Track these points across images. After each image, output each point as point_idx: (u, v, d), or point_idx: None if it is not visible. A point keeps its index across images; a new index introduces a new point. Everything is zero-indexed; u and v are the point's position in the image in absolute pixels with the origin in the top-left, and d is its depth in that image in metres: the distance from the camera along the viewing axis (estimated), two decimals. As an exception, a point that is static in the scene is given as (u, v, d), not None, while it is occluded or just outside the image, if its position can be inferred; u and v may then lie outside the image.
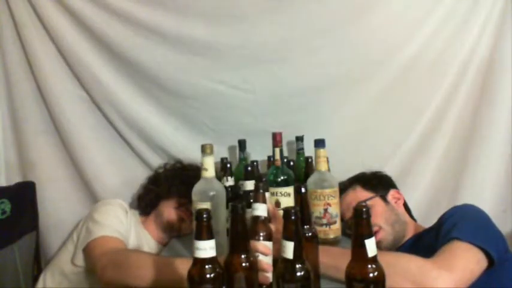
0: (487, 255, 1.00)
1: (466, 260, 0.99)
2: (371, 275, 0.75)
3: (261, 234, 0.98)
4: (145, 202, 1.55)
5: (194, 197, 1.17)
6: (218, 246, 0.81)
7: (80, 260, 1.33)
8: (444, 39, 1.61)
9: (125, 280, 1.09)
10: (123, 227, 1.36)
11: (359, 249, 0.75)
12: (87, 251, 1.30)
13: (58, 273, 1.39)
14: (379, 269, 0.75)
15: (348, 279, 0.77)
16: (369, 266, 0.75)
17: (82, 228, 1.37)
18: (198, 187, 1.17)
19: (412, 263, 0.97)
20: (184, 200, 1.43)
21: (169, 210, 1.47)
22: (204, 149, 1.15)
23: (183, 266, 0.92)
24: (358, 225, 0.76)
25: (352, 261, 0.77)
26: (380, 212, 1.33)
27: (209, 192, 1.15)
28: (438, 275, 0.93)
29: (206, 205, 1.15)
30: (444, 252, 1.01)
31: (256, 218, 0.99)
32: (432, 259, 0.99)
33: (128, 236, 1.38)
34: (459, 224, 1.08)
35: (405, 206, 1.44)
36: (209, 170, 1.15)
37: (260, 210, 1.00)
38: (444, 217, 1.16)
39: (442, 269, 0.94)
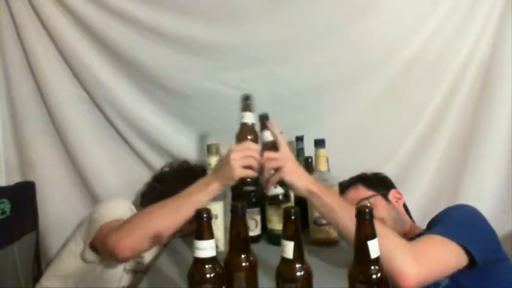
0: (468, 253, 0.99)
1: (440, 252, 0.98)
2: (374, 276, 0.74)
3: (249, 137, 1.17)
4: (149, 199, 1.55)
5: None
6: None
7: (90, 255, 1.30)
8: (444, 39, 1.62)
9: (142, 239, 1.09)
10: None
11: (362, 250, 0.75)
12: (97, 236, 1.25)
13: (61, 275, 1.37)
14: (382, 270, 0.75)
15: (350, 281, 0.77)
16: (372, 267, 0.75)
17: (87, 223, 1.35)
18: None
19: (397, 243, 0.96)
20: None
21: None
22: (210, 149, 1.20)
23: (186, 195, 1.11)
24: (360, 226, 0.75)
25: (355, 262, 0.76)
26: (382, 210, 1.33)
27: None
28: (407, 262, 0.92)
29: (219, 204, 1.18)
30: (421, 242, 1.00)
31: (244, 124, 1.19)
32: (410, 243, 0.98)
33: None
34: (444, 222, 1.08)
35: (405, 207, 1.44)
36: None
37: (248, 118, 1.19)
38: (434, 218, 1.17)
39: (413, 256, 0.93)
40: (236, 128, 1.63)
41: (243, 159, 1.11)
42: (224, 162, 1.12)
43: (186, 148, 1.69)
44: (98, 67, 1.66)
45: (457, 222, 1.09)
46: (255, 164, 1.14)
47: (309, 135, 1.48)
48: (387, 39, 1.63)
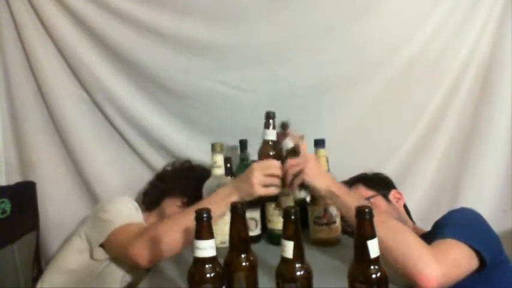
0: (478, 255, 0.99)
1: (456, 255, 0.98)
2: (374, 276, 0.74)
3: (271, 153, 1.22)
4: (150, 197, 1.55)
5: (204, 193, 1.22)
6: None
7: (100, 254, 1.30)
8: (444, 39, 1.62)
9: (164, 250, 1.10)
10: (138, 217, 1.36)
11: (361, 250, 0.75)
12: (111, 240, 1.25)
13: (65, 270, 1.37)
14: (381, 270, 0.75)
15: (350, 281, 0.77)
16: (372, 267, 0.75)
17: (93, 222, 1.35)
18: (208, 184, 1.23)
19: (418, 243, 0.97)
20: (188, 199, 1.44)
21: (172, 208, 1.47)
22: (214, 148, 1.22)
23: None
24: (360, 226, 0.75)
25: (355, 262, 0.76)
26: (382, 210, 1.33)
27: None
28: (429, 263, 0.92)
29: None
30: (437, 245, 1.00)
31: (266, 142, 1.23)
32: (429, 246, 0.98)
33: None
34: (451, 225, 1.08)
35: (405, 207, 1.44)
36: (220, 167, 1.23)
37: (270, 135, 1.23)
38: (438, 221, 1.16)
39: (434, 258, 0.93)
40: (235, 127, 1.66)
41: (264, 178, 1.16)
42: (246, 178, 1.16)
43: (186, 148, 1.69)
44: (98, 67, 1.66)
45: (462, 225, 1.08)
46: (275, 182, 1.18)
47: (309, 135, 1.47)
48: (387, 39, 1.63)
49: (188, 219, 1.10)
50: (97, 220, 1.33)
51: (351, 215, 1.05)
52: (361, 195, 1.38)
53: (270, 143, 1.24)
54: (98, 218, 1.33)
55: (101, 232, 1.28)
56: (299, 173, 1.16)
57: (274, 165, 1.18)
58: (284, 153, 1.24)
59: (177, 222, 1.14)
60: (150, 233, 1.15)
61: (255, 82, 1.66)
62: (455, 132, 1.66)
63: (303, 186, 1.19)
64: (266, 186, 1.17)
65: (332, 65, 1.63)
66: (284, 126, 1.27)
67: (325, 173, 1.19)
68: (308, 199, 1.24)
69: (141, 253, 1.12)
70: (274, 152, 1.24)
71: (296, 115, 1.65)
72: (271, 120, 1.24)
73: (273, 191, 1.18)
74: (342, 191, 1.13)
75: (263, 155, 1.24)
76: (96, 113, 1.70)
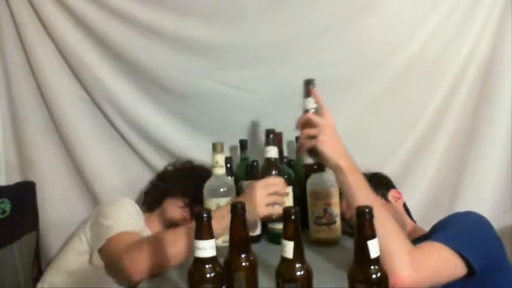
0: (467, 262, 0.97)
1: (438, 259, 0.96)
2: (374, 276, 0.74)
3: (273, 172, 1.20)
4: (151, 197, 1.55)
5: (205, 193, 1.23)
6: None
7: (97, 260, 1.30)
8: (444, 39, 1.62)
9: (156, 265, 1.09)
10: (138, 222, 1.36)
11: (362, 250, 0.75)
12: (107, 248, 1.25)
13: (65, 271, 1.37)
14: (381, 270, 0.75)
15: (350, 281, 0.77)
16: (372, 267, 0.75)
17: (93, 226, 1.35)
18: (209, 184, 1.24)
19: (402, 245, 0.95)
20: (189, 199, 1.44)
21: (173, 208, 1.47)
22: (215, 147, 1.23)
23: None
24: (360, 226, 0.75)
25: (355, 262, 0.76)
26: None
27: (220, 189, 1.22)
28: (404, 265, 0.91)
29: (217, 201, 1.20)
30: (422, 247, 0.99)
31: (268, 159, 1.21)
32: (413, 247, 0.97)
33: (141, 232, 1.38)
34: (446, 229, 1.07)
35: (405, 207, 1.44)
36: (222, 167, 1.24)
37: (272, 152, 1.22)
38: (437, 224, 1.15)
39: (411, 261, 0.92)
40: (235, 127, 1.66)
41: (268, 198, 1.15)
42: (248, 197, 1.13)
43: (186, 148, 1.69)
44: (98, 67, 1.66)
45: (460, 230, 1.07)
46: (280, 200, 1.17)
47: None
48: (387, 39, 1.63)
49: (183, 236, 1.08)
50: (96, 225, 1.33)
51: (350, 196, 1.04)
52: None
53: (273, 159, 1.23)
54: (98, 222, 1.33)
55: (99, 238, 1.28)
56: (313, 136, 1.09)
57: (278, 183, 1.17)
58: (303, 113, 1.16)
59: (170, 238, 1.11)
60: (142, 248, 1.13)
61: (255, 82, 1.66)
62: (455, 132, 1.66)
63: (313, 152, 1.11)
64: (270, 205, 1.15)
65: (332, 65, 1.63)
66: (308, 82, 1.15)
67: (340, 145, 1.10)
68: (316, 166, 1.17)
69: (133, 267, 1.10)
70: (276, 171, 1.23)
71: (296, 115, 1.66)
72: (271, 136, 1.21)
73: (277, 210, 1.16)
74: (350, 170, 1.06)
75: (266, 173, 1.22)
76: (96, 113, 1.70)
